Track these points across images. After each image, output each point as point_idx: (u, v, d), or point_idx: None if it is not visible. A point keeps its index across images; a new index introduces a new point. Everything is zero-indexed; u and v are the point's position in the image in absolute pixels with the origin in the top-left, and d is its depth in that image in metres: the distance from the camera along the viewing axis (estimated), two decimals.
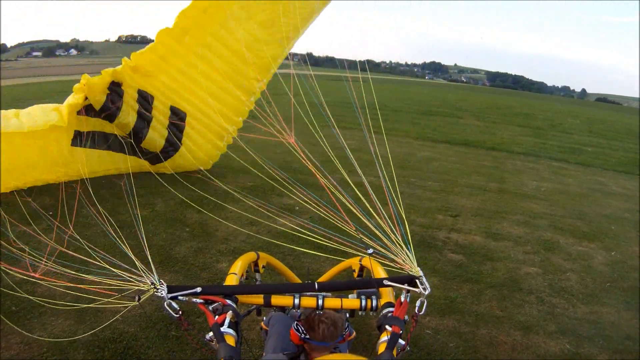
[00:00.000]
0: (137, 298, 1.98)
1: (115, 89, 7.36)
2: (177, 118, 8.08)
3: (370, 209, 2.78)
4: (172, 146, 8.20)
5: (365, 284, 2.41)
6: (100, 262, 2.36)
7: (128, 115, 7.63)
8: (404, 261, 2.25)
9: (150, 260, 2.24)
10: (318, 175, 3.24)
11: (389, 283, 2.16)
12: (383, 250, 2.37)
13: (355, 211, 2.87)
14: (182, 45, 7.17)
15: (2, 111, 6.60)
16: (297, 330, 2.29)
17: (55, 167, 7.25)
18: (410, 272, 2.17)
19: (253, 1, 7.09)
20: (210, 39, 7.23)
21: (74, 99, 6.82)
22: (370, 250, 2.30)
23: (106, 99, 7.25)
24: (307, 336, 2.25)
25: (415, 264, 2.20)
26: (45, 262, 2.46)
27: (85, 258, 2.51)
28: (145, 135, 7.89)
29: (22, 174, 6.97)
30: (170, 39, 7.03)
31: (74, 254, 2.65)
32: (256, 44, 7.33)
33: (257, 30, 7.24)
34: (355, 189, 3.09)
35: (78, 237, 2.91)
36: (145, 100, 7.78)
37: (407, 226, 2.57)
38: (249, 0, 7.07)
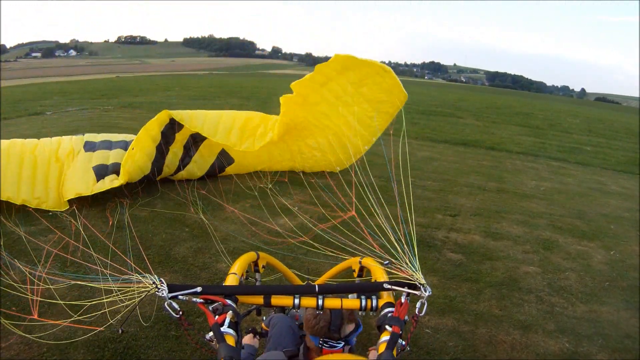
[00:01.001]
0: (119, 330, 2.00)
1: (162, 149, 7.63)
2: (223, 159, 8.46)
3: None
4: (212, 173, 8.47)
5: (366, 288, 2.42)
6: (101, 264, 2.36)
7: (167, 166, 7.91)
8: (406, 269, 2.25)
9: (146, 259, 2.24)
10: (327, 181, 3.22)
11: (390, 287, 2.16)
12: (391, 261, 2.38)
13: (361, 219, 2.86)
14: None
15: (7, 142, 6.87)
16: None
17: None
18: (414, 280, 2.17)
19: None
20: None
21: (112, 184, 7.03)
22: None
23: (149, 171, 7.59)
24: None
25: (420, 274, 2.19)
26: (43, 273, 2.45)
27: (88, 264, 2.51)
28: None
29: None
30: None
31: (73, 258, 2.66)
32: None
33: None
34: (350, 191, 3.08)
35: (77, 243, 2.91)
36: (194, 141, 8.11)
37: (414, 238, 2.55)
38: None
